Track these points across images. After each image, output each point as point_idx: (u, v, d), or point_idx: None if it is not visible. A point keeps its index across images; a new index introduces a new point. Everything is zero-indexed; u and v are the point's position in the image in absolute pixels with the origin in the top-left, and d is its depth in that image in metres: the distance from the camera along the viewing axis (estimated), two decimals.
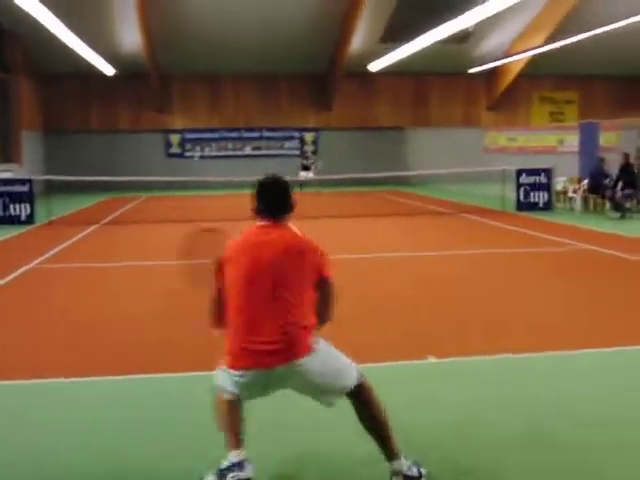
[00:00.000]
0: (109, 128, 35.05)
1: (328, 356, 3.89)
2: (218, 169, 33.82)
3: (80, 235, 15.41)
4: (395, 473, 3.95)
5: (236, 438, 3.93)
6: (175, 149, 35.96)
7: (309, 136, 36.40)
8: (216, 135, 36.00)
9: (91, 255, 12.75)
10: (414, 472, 3.95)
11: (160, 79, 33.76)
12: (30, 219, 17.77)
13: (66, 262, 11.88)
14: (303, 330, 3.77)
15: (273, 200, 3.94)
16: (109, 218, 19.27)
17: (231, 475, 3.83)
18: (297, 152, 35.60)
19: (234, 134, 36.06)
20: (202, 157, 35.80)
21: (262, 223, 3.91)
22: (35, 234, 16.27)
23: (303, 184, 28.93)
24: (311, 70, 34.23)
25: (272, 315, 3.72)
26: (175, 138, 35.87)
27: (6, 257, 12.80)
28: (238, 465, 3.85)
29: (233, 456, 3.88)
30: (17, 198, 17.75)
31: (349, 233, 15.57)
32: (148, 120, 35.23)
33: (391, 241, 14.08)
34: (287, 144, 36.30)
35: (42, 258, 12.10)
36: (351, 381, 3.92)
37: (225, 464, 3.85)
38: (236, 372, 3.78)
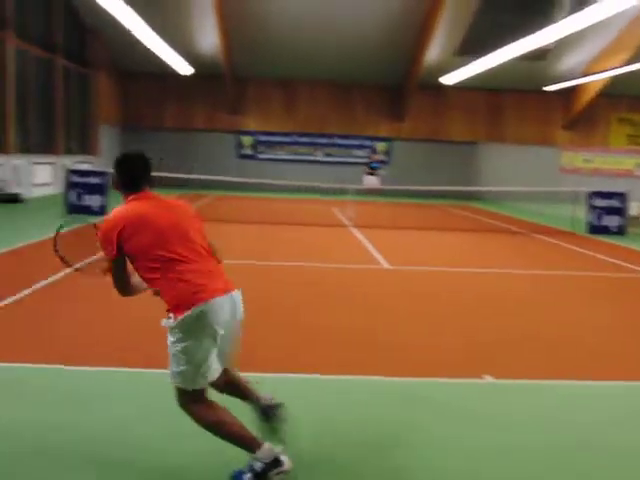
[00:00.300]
0: (184, 126, 35.64)
1: None
2: (289, 173, 34.12)
3: None
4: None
5: (250, 435, 3.95)
6: (247, 150, 36.32)
7: (381, 145, 36.35)
8: (288, 139, 36.23)
9: None
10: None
11: (235, 80, 34.21)
12: (102, 210, 18.16)
13: None
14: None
15: (149, 172, 4.27)
16: None
17: (274, 472, 3.85)
18: (374, 156, 35.69)
19: (306, 139, 36.24)
20: (273, 160, 36.03)
21: (146, 194, 4.18)
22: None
23: (368, 192, 28.85)
24: (385, 80, 34.23)
25: (208, 258, 4.09)
26: (247, 140, 36.24)
27: (79, 248, 13.07)
28: (275, 462, 3.89)
29: (265, 454, 3.89)
30: (91, 189, 18.18)
31: (414, 245, 15.49)
32: (222, 120, 35.72)
33: (455, 256, 13.96)
34: (358, 152, 36.32)
35: None
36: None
37: (260, 465, 3.86)
38: (203, 305, 3.86)
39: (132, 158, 4.25)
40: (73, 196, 18.20)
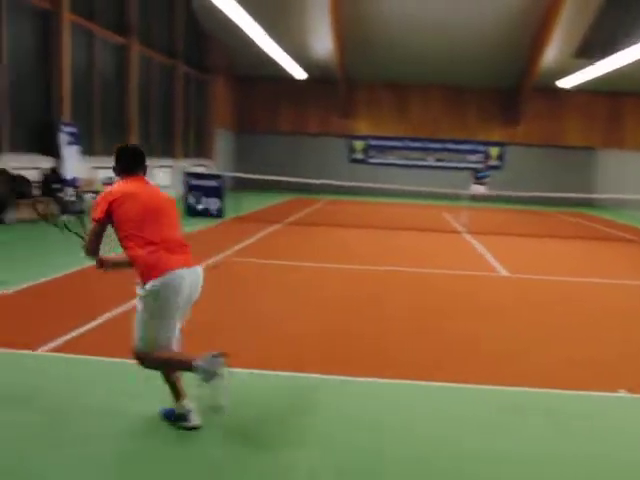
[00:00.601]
0: (297, 130, 36.10)
1: None
2: (400, 177, 34.07)
3: (265, 232, 15.97)
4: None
5: (190, 356, 4.58)
6: (358, 155, 36.45)
7: (494, 150, 35.80)
8: (400, 143, 36.15)
9: (275, 252, 13.20)
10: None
11: (347, 84, 34.42)
12: (220, 213, 18.64)
13: (252, 256, 12.36)
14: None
15: (142, 161, 5.01)
16: (292, 218, 19.82)
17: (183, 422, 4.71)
18: (481, 165, 35.19)
19: (418, 144, 36.08)
20: (384, 164, 36.03)
21: (140, 178, 4.95)
22: (224, 228, 17.05)
23: (477, 198, 28.42)
24: (500, 84, 33.68)
25: (177, 238, 4.81)
26: (359, 144, 36.36)
27: (200, 248, 13.48)
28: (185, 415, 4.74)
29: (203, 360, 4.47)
30: (209, 192, 18.67)
31: (530, 252, 15.18)
32: (334, 124, 36.01)
33: (572, 265, 13.59)
34: (471, 157, 35.89)
35: (230, 251, 12.65)
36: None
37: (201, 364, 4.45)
38: (172, 273, 4.56)
39: (130, 150, 5.02)
40: (191, 199, 18.72)
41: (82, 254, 4.69)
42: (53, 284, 9.15)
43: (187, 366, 4.49)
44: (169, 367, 4.73)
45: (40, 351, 5.99)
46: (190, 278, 4.68)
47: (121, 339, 6.45)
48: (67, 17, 18.53)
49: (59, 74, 18.45)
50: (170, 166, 27.03)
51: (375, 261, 12.55)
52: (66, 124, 18.45)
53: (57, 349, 6.07)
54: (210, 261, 11.38)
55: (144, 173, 5.05)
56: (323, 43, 30.93)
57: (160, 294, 4.51)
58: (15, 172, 16.13)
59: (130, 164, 4.93)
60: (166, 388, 4.74)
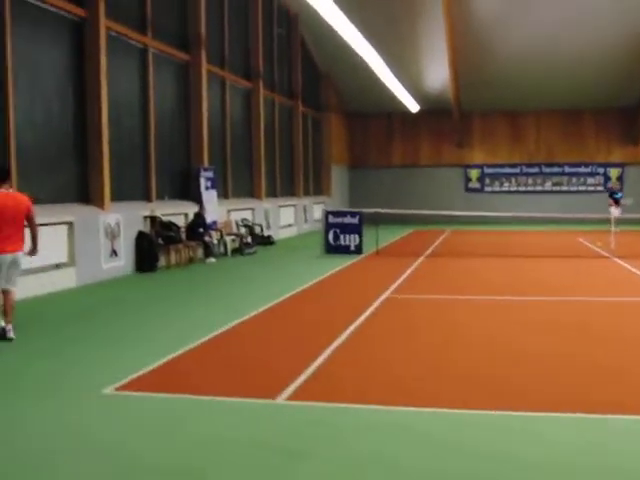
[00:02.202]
0: (409, 163, 36.02)
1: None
2: (516, 204, 33.36)
3: (413, 267, 15.85)
4: None
5: None
6: (474, 184, 36.04)
7: (614, 171, 34.78)
8: (516, 170, 35.58)
9: (432, 287, 13.07)
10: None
11: (461, 115, 34.18)
12: (358, 249, 18.64)
13: (414, 293, 12.25)
14: (22, 241, 8.77)
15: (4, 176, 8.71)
16: (429, 251, 19.65)
17: None
18: (600, 188, 34.17)
19: (534, 169, 35.43)
20: (500, 192, 35.48)
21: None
22: (371, 264, 17.02)
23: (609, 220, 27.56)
24: (619, 103, 32.75)
25: (16, 232, 8.60)
26: (474, 173, 35.98)
27: (358, 286, 13.51)
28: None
29: None
30: (348, 229, 18.71)
31: None
32: (447, 155, 35.76)
33: None
34: (590, 180, 34.98)
35: (392, 288, 12.58)
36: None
37: None
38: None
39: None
40: (330, 236, 18.81)
41: None
42: (247, 325, 9.25)
43: None
44: None
45: (280, 400, 5.98)
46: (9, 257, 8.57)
47: (344, 382, 6.44)
48: (205, 67, 19.09)
49: (199, 121, 18.96)
50: (293, 205, 27.32)
51: (540, 291, 12.23)
52: (205, 169, 18.90)
53: (294, 397, 6.06)
54: (379, 300, 11.31)
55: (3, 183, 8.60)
56: (438, 75, 30.93)
57: None
58: (165, 219, 16.57)
59: None
60: None
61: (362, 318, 9.75)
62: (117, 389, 6.37)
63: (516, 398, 6.04)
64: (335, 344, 8.08)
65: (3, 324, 8.56)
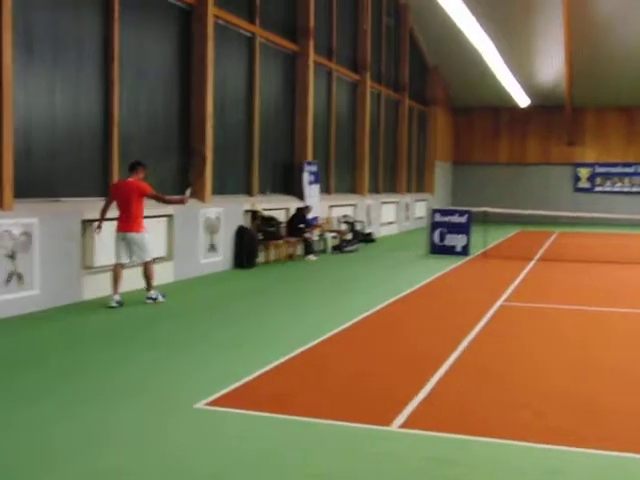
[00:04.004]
0: (516, 160, 34.71)
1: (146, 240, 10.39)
2: (629, 206, 31.69)
3: (525, 271, 14.90)
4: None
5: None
6: (583, 183, 34.44)
7: None
8: (630, 170, 33.78)
9: (548, 295, 12.13)
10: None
11: (573, 110, 32.64)
12: (465, 251, 17.77)
13: (528, 301, 11.37)
14: (134, 222, 10.24)
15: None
16: (539, 254, 18.60)
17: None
18: None
19: None
20: (611, 192, 33.75)
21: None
22: (479, 267, 16.16)
23: None
24: None
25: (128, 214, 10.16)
26: (584, 172, 34.36)
27: (468, 291, 12.71)
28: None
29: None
30: (455, 229, 17.86)
31: None
32: (557, 153, 34.28)
33: None
34: None
35: (505, 295, 11.73)
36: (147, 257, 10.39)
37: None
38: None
39: None
40: (436, 236, 18.00)
41: None
42: (352, 332, 8.63)
43: None
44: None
45: (395, 427, 5.31)
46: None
47: (465, 408, 5.67)
48: (312, 58, 18.55)
49: (304, 113, 18.46)
50: (396, 201, 26.57)
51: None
52: (309, 163, 18.38)
53: (409, 425, 5.37)
54: (493, 308, 10.50)
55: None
56: (551, 70, 29.63)
57: None
58: (266, 213, 16.13)
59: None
60: None
61: (477, 329, 8.97)
62: (208, 404, 5.82)
63: None
64: (451, 359, 7.35)
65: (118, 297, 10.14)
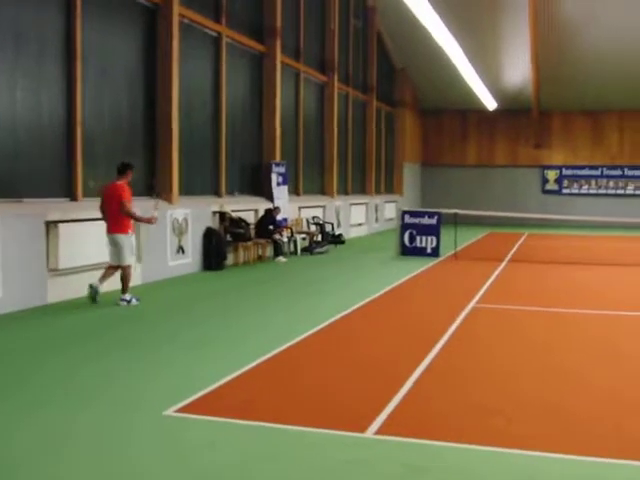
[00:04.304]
0: (485, 162, 34.83)
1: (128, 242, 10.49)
2: (596, 208, 31.90)
3: (496, 273, 14.84)
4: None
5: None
6: (551, 185, 34.63)
7: None
8: (597, 172, 34.04)
9: (521, 296, 12.06)
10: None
11: (540, 113, 32.83)
12: (435, 252, 17.69)
13: (501, 303, 11.29)
14: (118, 224, 10.38)
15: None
16: (509, 255, 18.58)
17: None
18: None
19: (616, 172, 33.83)
20: (579, 194, 33.99)
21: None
22: (450, 268, 16.08)
23: None
24: None
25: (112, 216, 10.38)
26: (552, 174, 34.55)
27: (440, 292, 12.61)
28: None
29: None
30: (425, 230, 17.77)
31: None
32: (524, 155, 34.44)
33: None
34: None
35: (477, 297, 11.63)
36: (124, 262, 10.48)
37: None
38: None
39: None
40: (406, 237, 17.89)
41: None
42: (321, 336, 8.45)
43: None
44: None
45: (370, 434, 5.13)
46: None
47: (441, 414, 5.48)
48: (279, 58, 18.36)
49: (272, 114, 18.26)
50: (365, 203, 26.47)
51: (631, 306, 11.13)
52: (277, 164, 18.19)
53: (383, 431, 5.20)
54: (465, 310, 10.39)
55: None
56: (518, 70, 29.75)
57: None
58: (234, 215, 15.90)
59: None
60: None
61: (450, 331, 8.83)
62: (178, 410, 5.61)
63: None
64: (424, 363, 7.20)
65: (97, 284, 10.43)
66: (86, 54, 11.67)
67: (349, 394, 6.17)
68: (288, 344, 8.00)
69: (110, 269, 10.62)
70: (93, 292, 10.34)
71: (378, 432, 5.16)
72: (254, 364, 7.06)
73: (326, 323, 9.28)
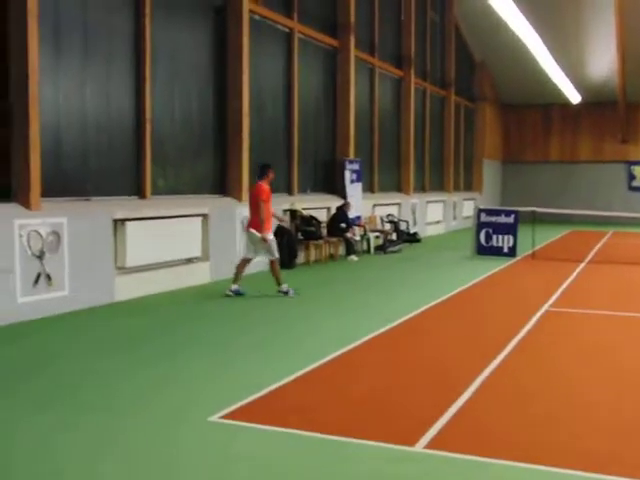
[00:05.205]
0: (567, 159, 33.83)
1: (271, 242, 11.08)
2: None
3: (573, 274, 14.28)
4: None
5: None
6: (638, 182, 33.38)
7: None
8: None
9: (598, 300, 11.53)
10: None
11: (627, 106, 31.59)
12: (512, 251, 17.18)
13: (576, 307, 10.80)
14: (255, 222, 11.00)
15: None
16: (590, 256, 17.89)
17: None
18: None
19: None
20: None
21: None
22: (526, 269, 15.59)
23: None
24: None
25: (253, 214, 11.09)
26: (639, 170, 33.28)
27: (512, 295, 12.19)
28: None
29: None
30: (502, 229, 17.28)
31: None
32: (609, 150, 33.27)
33: None
34: None
35: (551, 300, 11.17)
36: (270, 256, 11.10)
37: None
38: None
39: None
40: (482, 236, 17.43)
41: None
42: (384, 339, 8.21)
43: None
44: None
45: (420, 448, 4.89)
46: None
47: (497, 428, 5.16)
48: (353, 53, 18.13)
49: (345, 110, 18.05)
50: (442, 200, 26.00)
51: None
52: (351, 161, 17.98)
53: (433, 445, 4.94)
54: (537, 315, 9.96)
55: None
56: (603, 62, 28.68)
57: None
58: (306, 213, 15.77)
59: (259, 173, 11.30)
60: None
61: (518, 337, 8.46)
62: (224, 417, 5.47)
63: None
64: (486, 372, 6.88)
65: (236, 286, 11.05)
66: (156, 53, 11.70)
67: (403, 404, 5.92)
68: (350, 346, 7.80)
69: (241, 263, 11.23)
70: (234, 294, 10.98)
71: (428, 446, 4.90)
72: (312, 367, 6.89)
73: (391, 325, 9.03)
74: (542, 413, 5.71)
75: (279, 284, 11.17)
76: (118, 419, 5.44)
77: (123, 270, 10.60)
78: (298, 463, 4.64)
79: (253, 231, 10.94)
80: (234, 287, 11.01)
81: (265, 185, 11.00)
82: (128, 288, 10.61)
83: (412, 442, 4.95)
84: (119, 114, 11.17)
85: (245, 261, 11.23)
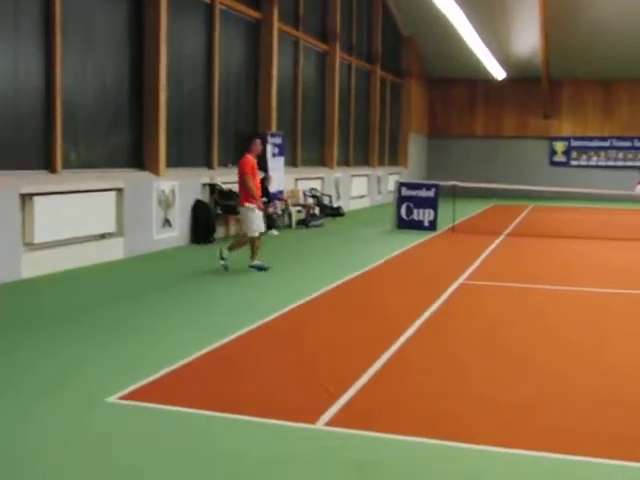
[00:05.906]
0: (492, 133, 34.28)
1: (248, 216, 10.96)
2: (605, 180, 31.28)
3: (491, 247, 14.50)
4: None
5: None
6: (559, 157, 34.08)
7: None
8: (606, 144, 33.40)
9: (512, 272, 11.74)
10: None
11: (550, 83, 32.15)
12: (432, 225, 17.35)
13: (490, 280, 10.96)
14: (242, 197, 11.02)
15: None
16: (509, 229, 18.20)
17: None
18: None
19: (626, 143, 33.19)
20: (587, 166, 33.37)
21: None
22: (442, 242, 15.77)
23: None
24: None
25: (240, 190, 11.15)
26: (560, 146, 33.98)
27: (429, 268, 12.29)
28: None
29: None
30: (422, 203, 17.41)
31: None
32: (533, 126, 33.85)
33: None
34: None
35: (467, 273, 11.30)
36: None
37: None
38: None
39: None
40: (403, 210, 17.54)
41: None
42: (301, 311, 8.17)
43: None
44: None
45: (320, 425, 4.85)
46: None
47: (409, 401, 5.17)
48: (277, 26, 17.88)
49: (268, 84, 17.83)
50: (367, 175, 26.06)
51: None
52: (272, 135, 17.81)
53: (335, 422, 4.91)
54: (451, 287, 10.06)
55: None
56: (527, 38, 29.07)
57: None
58: (225, 187, 15.57)
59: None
60: None
61: (431, 310, 8.54)
62: (121, 397, 5.34)
63: None
64: (396, 345, 6.91)
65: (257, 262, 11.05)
66: (67, 23, 11.27)
67: (312, 376, 5.88)
68: (269, 318, 7.76)
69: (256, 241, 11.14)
70: (224, 262, 10.88)
71: (329, 423, 4.88)
72: (206, 350, 6.75)
73: (309, 298, 9.02)
74: (439, 389, 5.75)
75: (253, 258, 11.07)
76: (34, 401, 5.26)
77: (31, 246, 10.27)
78: (189, 443, 4.55)
79: (247, 205, 10.87)
80: (256, 262, 10.97)
81: (250, 157, 10.97)
82: (36, 265, 10.28)
83: (314, 420, 4.91)
84: (27, 85, 10.76)
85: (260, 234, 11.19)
